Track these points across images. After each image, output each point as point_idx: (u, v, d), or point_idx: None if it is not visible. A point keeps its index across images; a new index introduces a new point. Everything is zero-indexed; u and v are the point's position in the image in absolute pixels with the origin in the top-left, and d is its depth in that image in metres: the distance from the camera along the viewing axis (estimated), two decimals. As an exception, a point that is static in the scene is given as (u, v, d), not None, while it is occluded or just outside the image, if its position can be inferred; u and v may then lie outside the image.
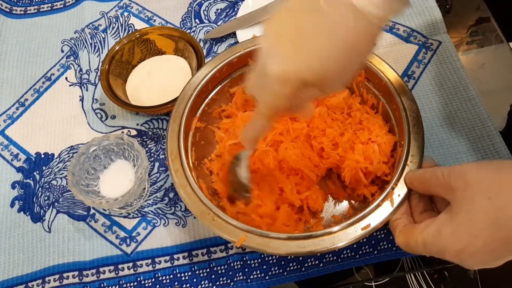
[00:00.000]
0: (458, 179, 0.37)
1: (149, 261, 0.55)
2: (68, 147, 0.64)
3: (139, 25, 0.74)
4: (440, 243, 0.37)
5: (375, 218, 0.45)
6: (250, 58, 0.57)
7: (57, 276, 0.55)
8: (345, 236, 0.44)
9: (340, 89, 0.40)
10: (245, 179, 0.50)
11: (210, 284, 0.54)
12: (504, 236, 0.34)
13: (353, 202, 0.54)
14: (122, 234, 0.57)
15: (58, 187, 0.61)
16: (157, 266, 0.55)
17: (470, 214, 0.35)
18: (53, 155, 0.64)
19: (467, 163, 0.37)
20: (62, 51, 0.73)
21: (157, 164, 0.62)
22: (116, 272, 0.55)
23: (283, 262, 0.54)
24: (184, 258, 0.55)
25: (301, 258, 0.54)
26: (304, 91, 0.38)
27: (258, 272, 0.54)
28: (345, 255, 0.54)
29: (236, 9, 0.74)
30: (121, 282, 0.54)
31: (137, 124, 0.65)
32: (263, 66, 0.38)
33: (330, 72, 0.37)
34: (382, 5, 0.34)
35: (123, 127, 0.65)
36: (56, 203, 0.60)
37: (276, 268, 0.54)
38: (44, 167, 0.63)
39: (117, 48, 0.66)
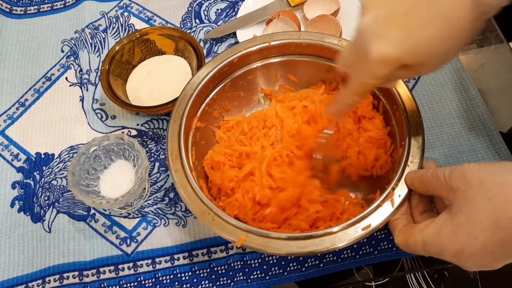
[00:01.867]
0: (458, 180, 0.37)
1: (149, 261, 0.55)
2: (68, 147, 0.64)
3: (139, 25, 0.74)
4: (439, 243, 0.37)
5: (376, 218, 0.45)
6: (251, 58, 0.58)
7: (57, 276, 0.55)
8: (345, 236, 0.44)
9: (434, 71, 0.41)
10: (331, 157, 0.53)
11: (210, 284, 0.54)
12: (504, 237, 0.34)
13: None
14: (122, 234, 0.57)
15: (58, 187, 0.61)
16: (157, 266, 0.55)
17: (470, 215, 0.35)
18: (53, 155, 0.64)
19: (468, 164, 0.37)
20: (62, 51, 0.73)
21: (157, 164, 0.62)
22: (116, 272, 0.55)
23: (283, 262, 0.54)
24: (184, 258, 0.55)
25: (301, 258, 0.54)
26: (401, 71, 0.39)
27: (258, 272, 0.54)
28: (345, 255, 0.54)
29: (236, 9, 0.74)
30: (121, 282, 0.55)
31: (137, 124, 0.65)
32: (365, 44, 0.38)
33: (431, 58, 0.38)
34: None
35: (123, 127, 0.65)
36: (56, 203, 0.60)
37: (276, 268, 0.54)
38: (44, 167, 0.63)
39: (117, 48, 0.66)
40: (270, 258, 0.54)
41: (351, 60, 0.41)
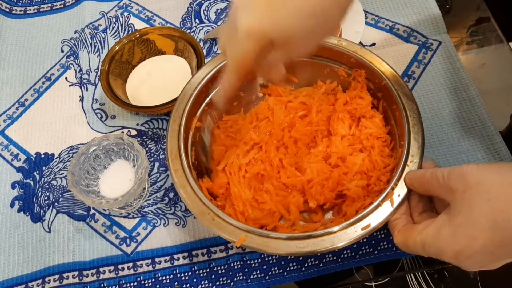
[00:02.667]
0: (458, 181, 0.37)
1: (149, 261, 0.55)
2: (68, 147, 0.64)
3: (139, 25, 0.74)
4: (439, 244, 0.37)
5: (375, 218, 0.45)
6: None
7: (57, 276, 0.55)
8: (345, 236, 0.44)
9: (304, 54, 0.41)
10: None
11: (210, 284, 0.54)
12: (502, 238, 0.34)
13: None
14: (122, 234, 0.57)
15: (58, 187, 0.61)
16: (157, 266, 0.55)
17: (469, 216, 0.35)
18: (53, 155, 0.64)
19: (467, 165, 0.37)
20: (62, 51, 0.73)
21: (157, 164, 0.62)
22: (116, 272, 0.55)
23: (283, 262, 0.54)
24: (184, 258, 0.55)
25: (301, 258, 0.54)
26: (272, 52, 0.39)
27: (258, 272, 0.54)
28: (345, 255, 0.54)
29: (236, 9, 0.74)
30: (121, 282, 0.54)
31: (137, 124, 0.65)
32: (234, 18, 0.39)
33: (295, 34, 0.38)
34: None
35: (123, 127, 0.65)
36: (56, 203, 0.60)
37: (276, 268, 0.54)
38: (44, 167, 0.63)
39: (117, 48, 0.66)
40: (270, 258, 0.54)
41: (227, 37, 0.42)
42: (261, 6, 0.37)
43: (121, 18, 0.75)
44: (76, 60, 0.71)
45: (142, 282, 0.54)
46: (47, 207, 0.59)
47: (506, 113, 0.62)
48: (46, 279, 0.55)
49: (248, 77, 0.46)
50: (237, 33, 0.38)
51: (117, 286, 0.54)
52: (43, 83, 0.70)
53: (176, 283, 0.54)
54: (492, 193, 0.34)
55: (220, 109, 0.50)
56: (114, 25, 0.74)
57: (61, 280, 0.54)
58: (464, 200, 0.36)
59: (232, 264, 0.54)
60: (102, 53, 0.71)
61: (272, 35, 0.38)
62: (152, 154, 0.62)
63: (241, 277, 0.54)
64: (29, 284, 0.55)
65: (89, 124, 0.65)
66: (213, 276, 0.54)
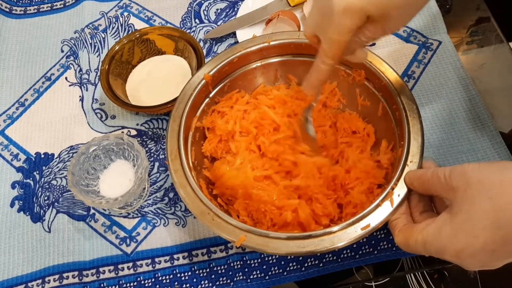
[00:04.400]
0: (458, 180, 0.37)
1: (149, 261, 0.55)
2: (68, 147, 0.64)
3: (139, 25, 0.74)
4: (440, 243, 0.37)
5: (375, 218, 0.45)
6: (251, 58, 0.58)
7: (57, 276, 0.55)
8: (345, 236, 0.44)
9: (400, 27, 0.42)
10: (313, 133, 0.53)
11: (210, 284, 0.54)
12: (504, 236, 0.34)
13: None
14: (122, 234, 0.57)
15: (58, 187, 0.61)
16: (157, 266, 0.55)
17: (470, 214, 0.35)
18: (53, 155, 0.64)
19: (468, 164, 0.37)
20: (62, 51, 0.73)
21: (157, 164, 0.62)
22: (116, 272, 0.55)
23: (283, 262, 0.54)
24: (184, 258, 0.55)
25: (301, 258, 0.54)
26: (368, 28, 0.39)
27: (258, 272, 0.54)
28: (345, 255, 0.54)
29: (236, 9, 0.74)
30: (121, 282, 0.54)
31: (137, 124, 0.65)
32: (328, 0, 0.38)
33: (395, 7, 0.38)
34: None
35: (123, 127, 0.65)
36: (56, 203, 0.60)
37: (276, 268, 0.54)
38: (44, 167, 0.63)
39: (117, 48, 0.66)
40: (270, 258, 0.54)
41: (318, 21, 0.41)
42: None
43: (121, 18, 0.75)
44: (76, 60, 0.71)
45: (142, 282, 0.54)
46: (47, 207, 0.59)
47: (506, 113, 0.62)
48: (46, 279, 0.55)
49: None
50: (332, 13, 0.38)
51: (117, 286, 0.54)
52: (43, 83, 0.70)
53: (176, 283, 0.54)
54: (493, 191, 0.34)
55: (311, 94, 0.50)
56: (114, 25, 0.74)
57: (61, 280, 0.54)
58: (465, 199, 0.36)
59: (232, 264, 0.54)
60: (102, 53, 0.71)
61: (372, 9, 0.37)
62: (152, 154, 0.62)
63: (241, 277, 0.54)
64: (29, 284, 0.55)
65: (89, 124, 0.65)
66: (213, 276, 0.54)
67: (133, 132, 0.64)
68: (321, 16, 0.40)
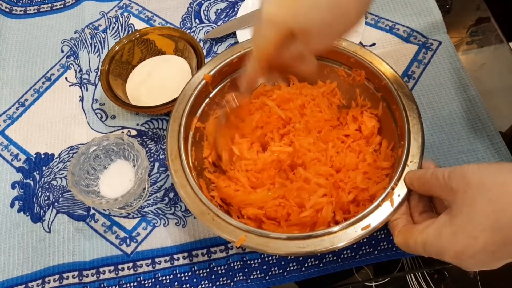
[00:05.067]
0: (458, 181, 0.37)
1: (149, 261, 0.55)
2: (68, 147, 0.64)
3: (139, 25, 0.74)
4: (440, 244, 0.37)
5: (375, 218, 0.45)
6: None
7: (57, 276, 0.55)
8: (345, 236, 0.44)
9: (323, 47, 0.43)
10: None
11: (210, 284, 0.54)
12: (503, 237, 0.34)
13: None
14: (122, 234, 0.57)
15: (58, 187, 0.61)
16: (157, 266, 0.55)
17: (470, 216, 0.35)
18: (53, 155, 0.64)
19: (468, 165, 0.37)
20: (62, 51, 0.73)
21: (157, 164, 0.62)
22: (116, 272, 0.55)
23: (283, 262, 0.54)
24: (184, 258, 0.55)
25: (301, 258, 0.54)
26: (293, 42, 0.41)
27: (258, 272, 0.54)
28: (345, 255, 0.54)
29: (236, 9, 0.74)
30: (121, 282, 0.54)
31: (137, 124, 0.65)
32: (260, 7, 0.41)
33: (313, 26, 0.39)
34: None
35: (123, 127, 0.65)
36: (56, 203, 0.60)
37: (276, 268, 0.54)
38: (44, 167, 0.63)
39: (117, 48, 0.66)
40: (270, 258, 0.54)
41: (254, 25, 0.43)
42: None
43: (121, 18, 0.75)
44: (76, 60, 0.71)
45: (142, 282, 0.54)
46: (47, 207, 0.59)
47: (506, 113, 0.62)
48: (46, 279, 0.55)
49: (275, 69, 0.47)
50: (260, 20, 0.40)
51: (117, 286, 0.54)
52: (43, 83, 0.70)
53: (176, 283, 0.54)
54: (493, 192, 0.34)
55: (241, 91, 0.51)
56: (114, 25, 0.74)
57: (61, 280, 0.54)
58: (465, 200, 0.36)
59: (232, 264, 0.54)
60: (102, 53, 0.71)
61: (291, 25, 0.39)
62: (152, 154, 0.62)
63: (241, 277, 0.54)
64: (29, 284, 0.55)
65: (89, 124, 0.65)
66: (213, 276, 0.54)
67: (133, 132, 0.64)
68: (256, 19, 0.42)
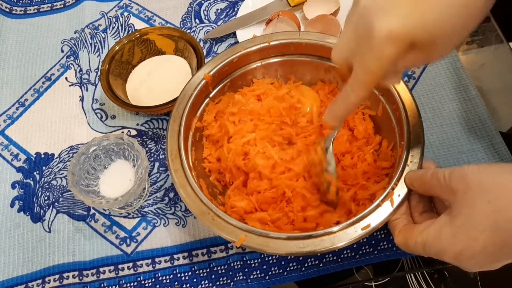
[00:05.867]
0: (458, 182, 0.37)
1: (149, 261, 0.55)
2: (68, 147, 0.64)
3: (139, 25, 0.74)
4: (440, 244, 0.37)
5: (375, 218, 0.45)
6: (251, 58, 0.58)
7: (57, 276, 0.55)
8: (345, 236, 0.44)
9: (444, 55, 0.37)
10: (333, 168, 0.47)
11: (210, 284, 0.54)
12: (503, 239, 0.34)
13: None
14: (122, 234, 0.57)
15: (58, 187, 0.61)
16: (157, 266, 0.55)
17: (470, 217, 0.35)
18: (53, 155, 0.64)
19: (468, 166, 0.37)
20: (62, 51, 0.73)
21: (157, 164, 0.62)
22: (116, 272, 0.55)
23: (283, 262, 0.54)
24: (184, 258, 0.55)
25: (301, 258, 0.54)
26: (408, 55, 0.35)
27: (258, 272, 0.54)
28: (345, 255, 0.54)
29: (236, 9, 0.74)
30: (121, 282, 0.54)
31: (137, 124, 0.65)
32: (367, 24, 0.34)
33: (443, 34, 0.34)
34: None
35: (123, 127, 0.65)
36: (56, 203, 0.60)
37: (276, 268, 0.54)
38: (44, 167, 0.63)
39: (117, 48, 0.66)
40: (270, 258, 0.54)
41: (352, 48, 0.37)
42: (404, 9, 0.33)
43: (121, 18, 0.75)
44: (76, 60, 0.71)
45: (142, 282, 0.54)
46: (47, 207, 0.59)
47: (506, 113, 0.62)
48: (46, 279, 0.55)
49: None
50: (371, 40, 0.34)
51: (117, 286, 0.54)
52: (43, 83, 0.70)
53: (176, 283, 0.54)
54: (493, 194, 0.34)
55: (333, 128, 0.45)
56: (114, 25, 0.74)
57: (61, 280, 0.54)
58: (465, 201, 0.36)
59: (232, 264, 0.54)
60: (102, 53, 0.71)
61: (418, 36, 0.34)
62: (152, 154, 0.62)
63: (241, 277, 0.54)
64: (29, 284, 0.55)
65: (89, 124, 0.65)
66: (213, 276, 0.54)
67: (133, 132, 0.64)
68: (357, 40, 0.36)
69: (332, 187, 0.48)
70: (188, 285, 0.54)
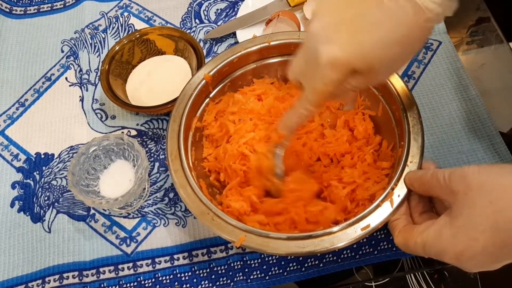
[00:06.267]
0: (459, 183, 0.37)
1: (149, 261, 0.55)
2: (68, 147, 0.64)
3: (139, 25, 0.74)
4: (440, 245, 0.37)
5: (375, 218, 0.45)
6: (251, 58, 0.58)
7: (57, 276, 0.55)
8: (345, 236, 0.44)
9: (384, 80, 0.42)
10: (280, 171, 0.51)
11: (210, 284, 0.54)
12: (503, 239, 0.34)
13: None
14: (122, 234, 0.57)
15: (58, 187, 0.61)
16: (157, 266, 0.55)
17: (471, 218, 0.35)
18: (53, 155, 0.64)
19: (468, 167, 0.37)
20: (62, 51, 0.73)
21: (157, 164, 0.62)
22: (116, 272, 0.55)
23: (283, 262, 0.54)
24: (184, 258, 0.55)
25: (301, 258, 0.54)
26: (351, 79, 0.39)
27: (258, 272, 0.54)
28: (345, 255, 0.54)
29: (236, 9, 0.74)
30: (121, 282, 0.54)
31: (137, 124, 0.65)
32: (314, 50, 0.38)
33: (381, 62, 0.37)
34: (440, 1, 0.35)
35: (123, 127, 0.65)
36: (56, 203, 0.60)
37: (276, 268, 0.54)
38: (44, 167, 0.63)
39: (117, 48, 0.66)
40: (270, 258, 0.54)
41: (303, 68, 0.41)
42: (343, 36, 0.37)
43: (121, 18, 0.75)
44: (76, 60, 0.71)
45: (142, 282, 0.54)
46: (47, 207, 0.59)
47: (506, 113, 0.62)
48: (46, 279, 0.55)
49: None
50: (317, 64, 0.38)
51: (117, 286, 0.54)
52: (43, 83, 0.70)
53: (176, 283, 0.54)
54: (493, 195, 0.34)
55: (286, 135, 0.49)
56: (114, 25, 0.74)
57: (61, 280, 0.54)
58: (465, 202, 0.36)
59: (232, 264, 0.54)
60: (102, 53, 0.71)
61: (358, 64, 0.37)
62: (152, 154, 0.62)
63: (241, 277, 0.54)
64: (29, 284, 0.55)
65: (89, 124, 0.65)
66: (213, 276, 0.54)
67: (133, 132, 0.64)
68: (306, 64, 0.40)
69: (278, 190, 0.52)
70: (188, 285, 0.54)
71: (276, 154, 0.51)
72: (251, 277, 0.53)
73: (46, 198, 0.60)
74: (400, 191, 0.46)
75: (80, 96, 0.68)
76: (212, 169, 0.56)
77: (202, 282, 0.54)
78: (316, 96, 0.41)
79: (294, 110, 0.45)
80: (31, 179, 0.62)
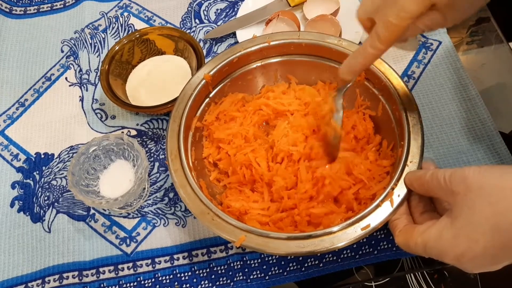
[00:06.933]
0: (459, 184, 0.37)
1: (149, 261, 0.55)
2: (68, 147, 0.64)
3: (139, 25, 0.74)
4: (440, 246, 0.37)
5: (375, 218, 0.45)
6: (251, 58, 0.58)
7: (57, 276, 0.55)
8: (344, 236, 0.44)
9: (461, 19, 0.40)
10: (340, 117, 0.51)
11: (210, 284, 0.54)
12: (504, 241, 0.34)
13: None
14: (122, 234, 0.57)
15: (58, 187, 0.61)
16: (157, 266, 0.55)
17: (471, 219, 0.35)
18: (53, 155, 0.64)
19: (469, 167, 0.37)
20: (62, 51, 0.73)
21: (157, 164, 0.62)
22: (116, 272, 0.55)
23: (283, 262, 0.54)
24: (184, 258, 0.55)
25: (301, 258, 0.54)
26: (429, 16, 0.38)
27: (258, 272, 0.54)
28: (345, 255, 0.54)
29: (236, 9, 0.74)
30: (121, 282, 0.54)
31: (137, 124, 0.65)
32: None
33: None
34: None
35: (123, 127, 0.65)
36: (56, 203, 0.60)
37: (276, 268, 0.54)
38: (44, 167, 0.63)
39: (117, 48, 0.66)
40: (270, 258, 0.54)
41: (377, 4, 0.40)
42: None
43: (121, 18, 0.75)
44: (76, 60, 0.71)
45: (142, 282, 0.54)
46: (47, 207, 0.59)
47: (506, 113, 0.62)
48: (46, 279, 0.55)
49: None
50: None
51: (117, 286, 0.54)
52: (43, 83, 0.70)
53: (176, 283, 0.54)
54: (494, 196, 0.34)
55: (348, 80, 0.48)
56: (114, 25, 0.74)
57: (61, 280, 0.54)
58: (466, 203, 0.36)
59: (232, 264, 0.54)
60: (102, 53, 0.71)
61: None
62: (152, 154, 0.62)
63: (241, 277, 0.54)
64: (29, 284, 0.55)
65: (89, 124, 0.65)
66: (213, 276, 0.54)
67: (133, 132, 0.64)
68: None
69: (337, 134, 0.51)
70: (188, 285, 0.54)
71: (335, 98, 0.51)
72: (251, 277, 0.53)
73: (46, 198, 0.60)
74: (400, 191, 0.46)
75: (80, 96, 0.68)
76: (214, 169, 0.56)
77: (202, 282, 0.54)
78: (389, 32, 0.39)
79: (359, 51, 0.43)
80: (31, 179, 0.62)
